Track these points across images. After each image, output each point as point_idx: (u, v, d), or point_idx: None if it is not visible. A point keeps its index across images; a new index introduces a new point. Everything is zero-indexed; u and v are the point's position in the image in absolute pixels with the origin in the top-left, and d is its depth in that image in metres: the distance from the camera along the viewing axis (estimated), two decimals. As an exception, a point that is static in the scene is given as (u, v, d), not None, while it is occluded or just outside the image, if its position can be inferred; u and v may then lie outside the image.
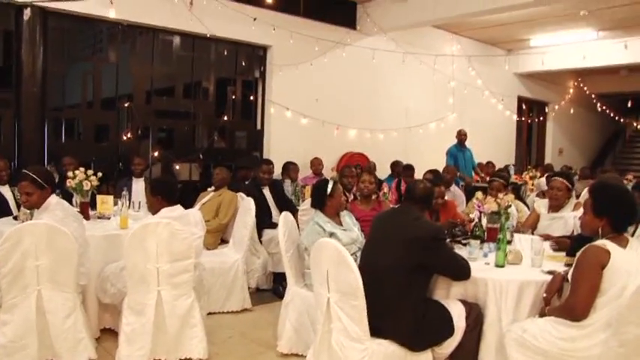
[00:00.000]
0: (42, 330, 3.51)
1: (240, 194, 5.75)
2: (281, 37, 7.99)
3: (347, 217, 4.26)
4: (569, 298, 2.91)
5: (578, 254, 2.94)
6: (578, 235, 3.76)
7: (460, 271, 3.21)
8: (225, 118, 8.15)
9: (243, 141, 8.60)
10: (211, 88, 7.94)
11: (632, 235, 3.49)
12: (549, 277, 3.21)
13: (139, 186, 6.18)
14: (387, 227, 3.32)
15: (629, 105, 14.44)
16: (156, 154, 7.41)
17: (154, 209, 4.04)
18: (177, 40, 7.44)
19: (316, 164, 8.22)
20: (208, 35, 7.28)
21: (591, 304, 2.81)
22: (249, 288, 5.28)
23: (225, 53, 7.90)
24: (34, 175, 3.73)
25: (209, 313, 4.62)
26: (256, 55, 8.31)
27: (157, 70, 7.36)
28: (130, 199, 5.11)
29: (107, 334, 4.29)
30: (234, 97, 8.23)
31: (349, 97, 9.13)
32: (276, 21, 7.91)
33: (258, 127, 8.47)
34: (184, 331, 3.80)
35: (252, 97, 8.42)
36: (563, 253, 3.71)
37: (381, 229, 3.36)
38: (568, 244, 3.75)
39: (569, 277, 2.98)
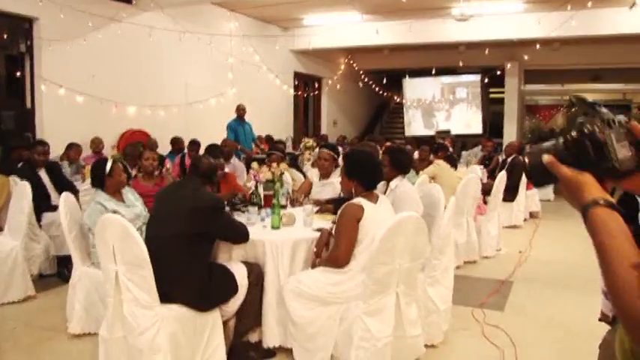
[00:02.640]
0: None
1: (14, 178, 5.43)
2: (49, 9, 7.51)
3: (129, 194, 4.32)
4: (333, 250, 3.40)
5: (339, 212, 3.43)
6: (342, 197, 4.31)
7: (238, 235, 3.52)
8: (-12, 96, 7.49)
9: (11, 121, 7.96)
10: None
11: (385, 193, 4.09)
12: (318, 234, 3.67)
13: None
14: (169, 200, 3.48)
15: (384, 81, 16.12)
16: None
17: None
18: None
19: (96, 143, 7.97)
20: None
21: (351, 253, 3.32)
22: (31, 275, 5.04)
23: (-17, 24, 7.22)
24: None
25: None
26: (21, 27, 7.70)
27: None
28: None
29: None
30: (-4, 72, 7.58)
31: (127, 74, 8.93)
32: (43, -8, 7.42)
33: (28, 105, 7.90)
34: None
35: (18, 74, 7.81)
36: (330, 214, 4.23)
37: (164, 202, 3.51)
38: (327, 206, 4.29)
39: (334, 231, 3.47)
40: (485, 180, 7.97)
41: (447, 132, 13.41)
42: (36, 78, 7.82)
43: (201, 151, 6.90)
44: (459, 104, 17.00)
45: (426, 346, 3.56)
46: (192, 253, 3.26)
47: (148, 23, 9.04)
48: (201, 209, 3.29)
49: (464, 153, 11.81)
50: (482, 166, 9.13)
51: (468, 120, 16.69)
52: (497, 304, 4.77)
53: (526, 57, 13.05)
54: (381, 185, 4.29)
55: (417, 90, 17.18)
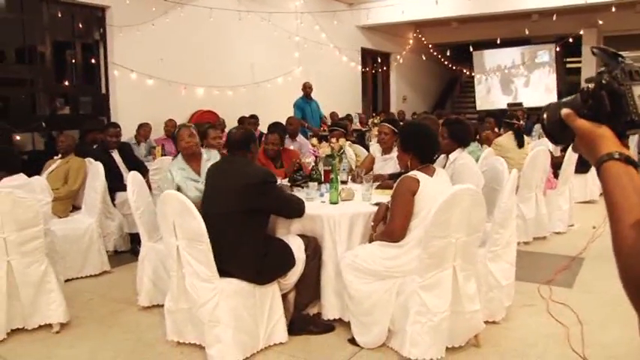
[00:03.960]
0: None
1: (89, 159, 5.70)
2: (118, -3, 7.79)
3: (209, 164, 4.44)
4: (389, 224, 3.38)
5: (394, 185, 3.41)
6: (401, 171, 4.26)
7: (291, 210, 3.54)
8: (67, 83, 7.86)
9: (89, 106, 8.36)
10: (48, 52, 7.59)
11: (444, 166, 4.02)
12: (376, 209, 3.66)
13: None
14: (220, 176, 3.52)
15: (453, 54, 15.67)
16: (-9, 125, 7.04)
17: None
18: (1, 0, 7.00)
19: (170, 126, 8.19)
20: (38, -4, 6.95)
21: (406, 227, 3.29)
22: (107, 251, 5.33)
23: (60, 15, 7.56)
24: None
25: (68, 280, 4.65)
26: (95, 16, 8.04)
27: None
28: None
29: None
30: (74, 61, 7.94)
31: (194, 55, 9.14)
32: (112, -19, 7.69)
33: (103, 90, 8.26)
34: (40, 298, 3.83)
35: (93, 61, 8.16)
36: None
37: (215, 178, 3.55)
38: (386, 181, 4.26)
39: (390, 205, 3.45)
40: (557, 153, 7.66)
41: (519, 104, 12.96)
42: (109, 64, 8.15)
43: (264, 129, 6.98)
44: (539, 69, 16.24)
45: (487, 322, 3.50)
46: (247, 228, 3.32)
47: (211, 4, 9.18)
48: (253, 185, 3.32)
49: (536, 126, 11.39)
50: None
51: (547, 85, 15.95)
52: (565, 281, 4.60)
53: (601, 22, 12.35)
54: (441, 159, 4.23)
55: (488, 62, 16.65)
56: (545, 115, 1.09)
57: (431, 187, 3.31)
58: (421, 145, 3.43)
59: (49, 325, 3.87)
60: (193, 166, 4.34)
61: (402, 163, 3.55)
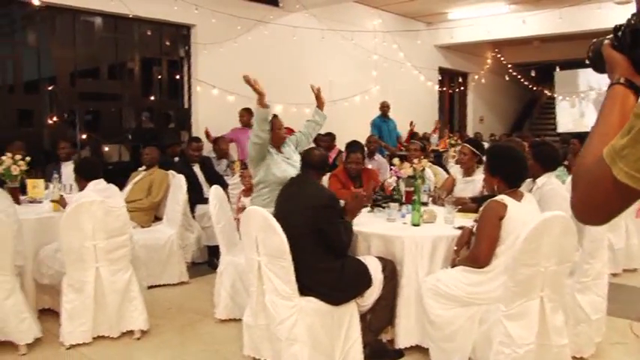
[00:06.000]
0: (-17, 313, 3.60)
1: (171, 172, 5.88)
2: (204, 16, 8.04)
3: (286, 147, 4.61)
4: (474, 249, 3.28)
5: (480, 209, 3.31)
6: (485, 194, 4.15)
7: (340, 241, 3.40)
8: (152, 98, 8.18)
9: (171, 120, 8.66)
10: (137, 68, 7.93)
11: (530, 191, 3.88)
12: (459, 232, 3.57)
13: (68, 169, 6.15)
14: (291, 196, 3.53)
15: (532, 74, 15.21)
16: (84, 136, 7.38)
17: (80, 187, 4.27)
18: (98, 20, 7.39)
19: (246, 117, 8.04)
20: (131, 16, 7.26)
21: (492, 253, 3.19)
22: (185, 262, 5.45)
23: (149, 33, 7.90)
24: None
25: (147, 287, 4.79)
26: (180, 34, 8.34)
27: (79, 52, 7.27)
28: (60, 183, 5.19)
29: (47, 315, 4.37)
30: (160, 77, 8.26)
31: (274, 73, 9.25)
32: (199, 0, 7.94)
33: (186, 106, 8.52)
34: (124, 305, 3.96)
35: (178, 77, 8.45)
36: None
37: (288, 197, 3.56)
38: (469, 204, 4.14)
39: (475, 230, 3.35)
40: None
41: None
42: (193, 80, 8.42)
43: (342, 147, 6.98)
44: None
45: (574, 357, 3.33)
46: (321, 247, 3.31)
47: (293, 23, 9.33)
48: (319, 207, 3.31)
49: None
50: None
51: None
52: (660, 318, 4.33)
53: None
54: (527, 183, 4.08)
55: (569, 82, 16.07)
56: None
57: (519, 212, 3.19)
58: (509, 169, 3.33)
59: (131, 332, 3.99)
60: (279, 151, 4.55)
61: (488, 186, 3.46)
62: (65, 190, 5.33)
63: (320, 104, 4.96)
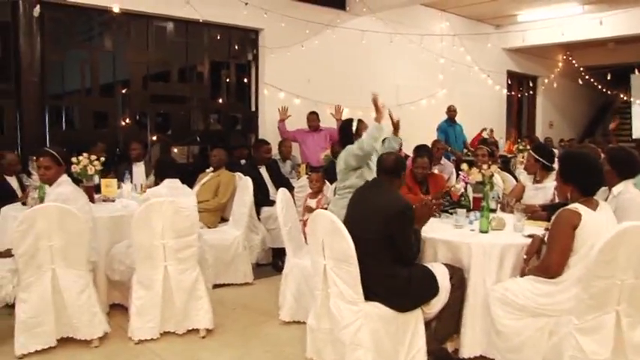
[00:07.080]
0: (58, 307, 3.76)
1: (238, 174, 5.98)
2: (272, 20, 8.14)
3: (374, 156, 4.49)
4: (545, 258, 3.18)
5: (553, 218, 3.20)
6: (557, 202, 4.01)
7: (408, 250, 3.35)
8: (220, 100, 8.35)
9: (239, 123, 8.82)
10: (206, 72, 8.11)
11: (606, 199, 3.72)
12: (529, 241, 3.47)
13: (139, 169, 6.39)
14: (363, 200, 3.51)
15: (608, 77, 14.58)
16: (154, 138, 7.62)
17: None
18: (170, 26, 7.59)
19: (313, 120, 8.22)
20: (201, 20, 7.44)
21: (565, 263, 3.07)
22: (250, 263, 5.53)
23: (219, 37, 8.05)
24: (53, 152, 4.08)
25: (212, 287, 4.88)
26: (249, 38, 8.47)
27: (152, 56, 7.50)
28: (132, 182, 5.39)
29: (116, 310, 4.55)
30: (228, 80, 8.41)
31: (340, 77, 9.29)
32: (267, 5, 8.05)
33: (253, 108, 8.66)
34: (191, 303, 4.06)
35: (245, 80, 8.60)
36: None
37: (360, 202, 3.53)
38: (540, 212, 4.01)
39: (547, 239, 3.25)
40: None
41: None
42: (260, 83, 8.54)
43: (408, 151, 6.91)
44: None
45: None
46: (389, 253, 3.27)
47: (360, 27, 9.31)
48: (393, 215, 3.26)
49: None
50: None
51: None
52: None
53: None
54: (602, 191, 3.92)
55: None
56: None
57: (594, 221, 3.07)
58: (584, 177, 3.20)
59: (196, 330, 4.08)
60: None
61: (561, 194, 3.34)
62: (136, 189, 5.52)
63: (395, 128, 5.10)
